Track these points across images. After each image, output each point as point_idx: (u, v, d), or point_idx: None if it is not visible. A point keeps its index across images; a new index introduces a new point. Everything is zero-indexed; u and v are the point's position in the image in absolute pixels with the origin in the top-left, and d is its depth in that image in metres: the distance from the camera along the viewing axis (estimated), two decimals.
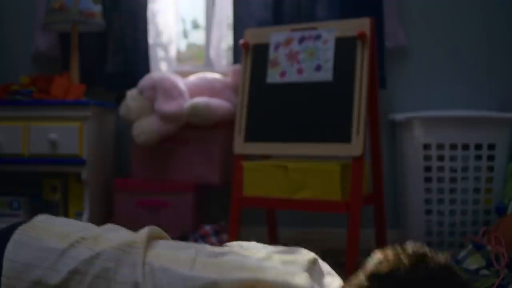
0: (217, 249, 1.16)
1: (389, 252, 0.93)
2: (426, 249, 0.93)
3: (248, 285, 1.00)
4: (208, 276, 1.02)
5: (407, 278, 0.88)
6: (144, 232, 1.15)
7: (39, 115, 2.72)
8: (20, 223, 1.17)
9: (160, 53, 3.11)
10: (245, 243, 1.25)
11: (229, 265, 1.07)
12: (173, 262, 1.07)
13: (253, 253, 1.12)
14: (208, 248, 1.17)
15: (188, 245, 1.16)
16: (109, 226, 1.21)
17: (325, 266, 1.14)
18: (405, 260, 0.90)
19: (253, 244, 1.24)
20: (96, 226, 1.20)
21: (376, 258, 0.93)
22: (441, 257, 0.93)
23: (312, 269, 1.08)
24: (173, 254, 1.11)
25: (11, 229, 1.14)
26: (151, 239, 1.16)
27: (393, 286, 0.89)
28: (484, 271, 2.14)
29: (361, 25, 2.41)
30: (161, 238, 1.21)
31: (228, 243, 1.26)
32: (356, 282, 0.93)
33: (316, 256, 1.12)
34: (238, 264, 1.06)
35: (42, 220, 1.18)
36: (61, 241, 1.11)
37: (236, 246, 1.22)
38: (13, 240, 1.11)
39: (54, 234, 1.13)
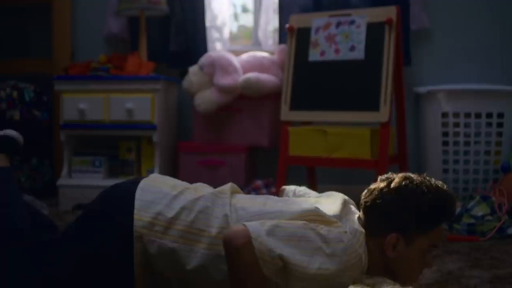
0: (281, 197, 1.63)
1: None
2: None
3: (305, 214, 1.44)
4: (276, 209, 1.46)
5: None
6: (228, 185, 1.59)
7: (117, 88, 3.10)
8: (142, 178, 1.59)
9: (215, 34, 3.49)
10: (298, 187, 1.72)
11: (291, 203, 1.52)
12: (250, 203, 1.51)
13: (307, 198, 1.60)
14: (274, 196, 1.63)
15: (259, 195, 1.62)
16: (200, 183, 1.64)
17: (352, 204, 1.59)
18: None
19: (303, 188, 1.72)
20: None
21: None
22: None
23: (344, 205, 1.54)
24: (250, 199, 1.55)
25: (136, 181, 1.55)
26: (232, 190, 1.60)
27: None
28: (489, 217, 2.52)
29: (389, 12, 2.73)
30: (238, 192, 1.64)
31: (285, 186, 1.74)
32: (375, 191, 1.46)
33: (345, 197, 1.58)
34: (298, 202, 1.53)
35: (157, 176, 1.61)
36: (173, 190, 1.52)
37: (292, 191, 1.70)
38: (139, 187, 1.52)
39: (167, 185, 1.55)
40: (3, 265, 1.60)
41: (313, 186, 3.22)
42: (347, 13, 2.87)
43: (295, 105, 2.89)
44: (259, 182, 3.04)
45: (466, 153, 2.99)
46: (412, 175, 1.47)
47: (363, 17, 2.81)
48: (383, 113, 2.68)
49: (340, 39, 2.84)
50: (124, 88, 3.12)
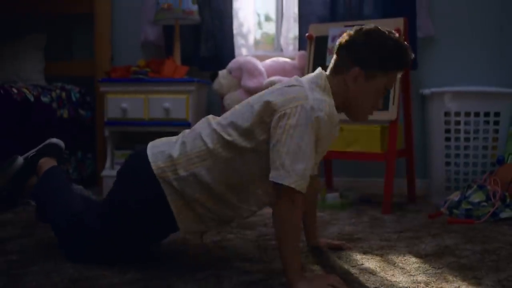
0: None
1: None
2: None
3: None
4: (244, 104, 1.84)
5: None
6: (209, 116, 1.96)
7: (156, 89, 3.40)
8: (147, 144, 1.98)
9: (241, 41, 3.77)
10: None
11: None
12: (224, 115, 1.89)
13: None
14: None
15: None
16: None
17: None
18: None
19: None
20: None
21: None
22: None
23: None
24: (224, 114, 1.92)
25: (144, 147, 1.94)
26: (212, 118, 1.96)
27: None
28: (484, 204, 2.80)
29: (397, 23, 3.00)
30: None
31: None
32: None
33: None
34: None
35: (158, 139, 1.99)
36: (173, 139, 1.91)
37: None
38: (148, 146, 1.92)
39: (169, 138, 1.94)
40: (69, 234, 1.98)
41: (329, 177, 3.55)
42: (360, 24, 3.02)
43: None
44: None
45: (466, 148, 3.21)
46: (381, 28, 1.84)
47: None
48: (392, 112, 2.96)
49: None
50: (161, 89, 3.42)
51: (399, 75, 1.88)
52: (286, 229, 1.68)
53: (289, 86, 1.77)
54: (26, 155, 2.37)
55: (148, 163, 1.84)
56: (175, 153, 1.83)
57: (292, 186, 1.64)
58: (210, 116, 1.95)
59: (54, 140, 2.42)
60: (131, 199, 1.86)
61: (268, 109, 1.73)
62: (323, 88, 1.78)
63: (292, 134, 1.66)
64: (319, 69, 1.86)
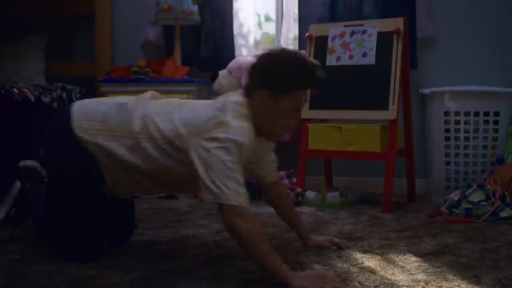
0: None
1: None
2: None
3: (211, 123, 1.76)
4: (185, 116, 1.83)
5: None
6: (149, 92, 2.02)
7: (156, 89, 3.31)
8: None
9: (241, 41, 3.79)
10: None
11: (192, 111, 1.86)
12: (161, 110, 1.88)
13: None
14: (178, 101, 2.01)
15: (169, 102, 1.99)
16: None
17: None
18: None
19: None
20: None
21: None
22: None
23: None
24: (162, 105, 1.92)
25: (70, 106, 1.97)
26: (154, 96, 2.00)
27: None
28: (484, 203, 2.81)
29: (397, 23, 3.02)
30: (157, 98, 2.03)
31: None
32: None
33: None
34: (196, 109, 1.88)
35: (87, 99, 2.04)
36: (103, 100, 1.96)
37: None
38: (75, 106, 1.95)
39: (98, 100, 1.99)
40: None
41: (329, 176, 3.55)
42: (360, 24, 3.15)
43: (314, 105, 3.16)
44: (281, 173, 3.33)
45: (466, 147, 3.22)
46: (290, 50, 1.86)
47: (374, 27, 3.09)
48: (392, 112, 2.97)
49: (354, 46, 3.12)
50: (162, 89, 3.36)
51: (304, 97, 1.86)
52: (248, 241, 1.68)
53: (217, 110, 1.80)
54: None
55: (70, 123, 1.90)
56: (99, 116, 1.89)
57: (231, 203, 1.66)
58: (152, 95, 2.00)
59: (31, 163, 2.33)
60: (61, 166, 1.93)
61: (194, 130, 1.78)
62: (244, 116, 1.79)
63: (217, 155, 1.69)
64: (238, 97, 1.87)
